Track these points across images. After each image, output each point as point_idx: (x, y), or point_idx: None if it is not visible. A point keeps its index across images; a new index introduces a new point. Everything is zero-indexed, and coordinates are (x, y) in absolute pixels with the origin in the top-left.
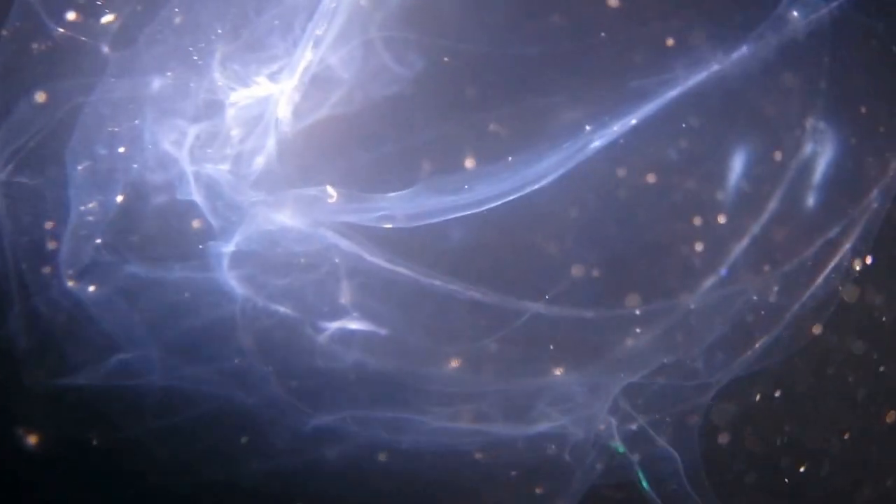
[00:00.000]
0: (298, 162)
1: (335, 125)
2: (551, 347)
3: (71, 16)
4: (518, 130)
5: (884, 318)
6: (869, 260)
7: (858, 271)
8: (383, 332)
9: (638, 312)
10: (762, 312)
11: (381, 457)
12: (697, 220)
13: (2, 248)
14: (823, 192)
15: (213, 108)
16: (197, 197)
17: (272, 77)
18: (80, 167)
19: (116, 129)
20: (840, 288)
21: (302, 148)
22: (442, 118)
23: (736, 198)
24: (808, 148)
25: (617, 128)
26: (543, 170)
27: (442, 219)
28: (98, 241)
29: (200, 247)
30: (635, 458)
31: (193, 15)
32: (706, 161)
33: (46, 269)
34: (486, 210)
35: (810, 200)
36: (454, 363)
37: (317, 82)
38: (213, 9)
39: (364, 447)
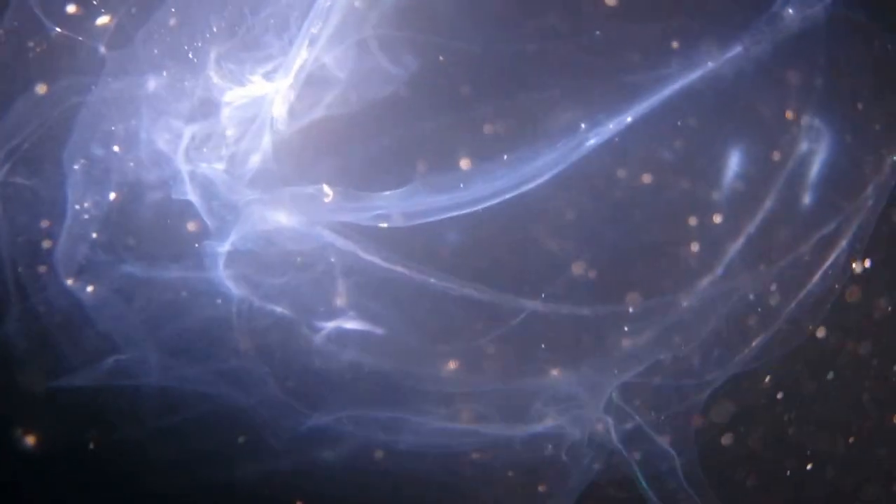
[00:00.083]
0: (294, 161)
1: (330, 124)
2: (548, 346)
3: (68, 15)
4: (513, 129)
5: (888, 320)
6: (871, 261)
7: (862, 273)
8: (380, 331)
9: (634, 310)
10: (758, 310)
11: (379, 457)
12: (693, 218)
13: None
14: (819, 190)
15: (209, 107)
16: (192, 196)
17: (267, 76)
18: (76, 167)
19: (113, 129)
20: (837, 286)
21: (297, 147)
22: (437, 117)
23: (731, 196)
24: (803, 145)
25: (612, 126)
26: (539, 168)
27: (438, 217)
28: (94, 240)
29: (196, 246)
30: (633, 457)
31: (189, 14)
32: (701, 159)
33: (43, 270)
34: (482, 208)
35: (806, 198)
36: (451, 362)
37: (312, 81)
38: (209, 8)
39: (361, 447)
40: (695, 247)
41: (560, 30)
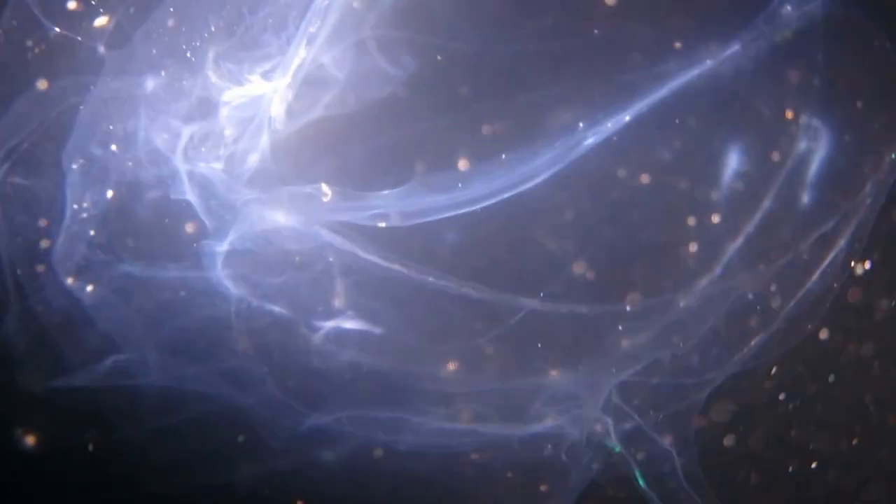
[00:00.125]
0: (292, 160)
1: (329, 124)
2: (546, 345)
3: (66, 15)
4: (511, 128)
5: (890, 320)
6: (873, 261)
7: (864, 273)
8: (378, 330)
9: (633, 309)
10: (757, 309)
11: (378, 457)
12: (691, 217)
13: None
14: (817, 189)
15: (207, 107)
16: (191, 196)
17: (265, 75)
18: (74, 166)
19: (111, 129)
20: (836, 284)
21: (296, 146)
22: (435, 116)
23: (729, 194)
24: (801, 144)
25: (610, 125)
26: (537, 167)
27: (436, 217)
28: (92, 240)
29: (194, 246)
30: (632, 456)
31: (188, 14)
32: (700, 158)
33: (41, 269)
34: (481, 208)
35: (804, 197)
36: (449, 362)
37: (310, 81)
38: (208, 7)
39: (360, 447)
40: (693, 246)
41: (558, 29)
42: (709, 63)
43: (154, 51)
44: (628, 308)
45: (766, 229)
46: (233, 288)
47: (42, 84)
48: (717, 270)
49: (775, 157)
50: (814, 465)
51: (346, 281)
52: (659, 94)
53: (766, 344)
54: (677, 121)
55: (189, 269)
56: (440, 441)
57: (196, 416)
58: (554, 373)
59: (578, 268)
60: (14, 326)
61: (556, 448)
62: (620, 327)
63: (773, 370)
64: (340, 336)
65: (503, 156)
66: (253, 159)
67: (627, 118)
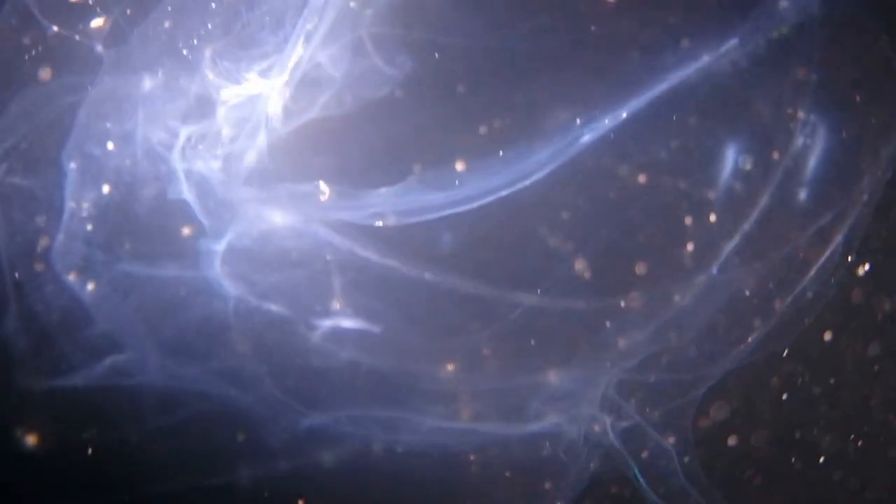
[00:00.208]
0: (290, 159)
1: (326, 121)
2: (544, 342)
3: (64, 14)
4: (508, 125)
5: (894, 320)
6: (877, 261)
7: (867, 273)
8: (377, 329)
9: (630, 305)
10: (754, 305)
11: (377, 456)
12: (688, 214)
13: None
14: (814, 185)
15: (204, 105)
16: (188, 195)
17: (263, 74)
18: (72, 166)
19: (109, 128)
20: (833, 280)
21: (293, 145)
22: (432, 114)
23: (726, 191)
24: (798, 140)
25: (607, 122)
26: (534, 164)
27: (433, 215)
28: (91, 239)
29: (192, 245)
30: (631, 454)
31: (185, 12)
32: (697, 154)
33: (40, 269)
34: (478, 205)
35: (801, 193)
36: (448, 360)
37: (307, 80)
38: (205, 6)
39: (360, 446)
40: (690, 242)
41: (555, 25)
42: (706, 59)
43: (152, 50)
44: (625, 304)
45: (763, 225)
46: (231, 287)
47: (40, 83)
48: (714, 266)
49: (772, 153)
50: (817, 465)
51: (345, 279)
52: (656, 90)
53: (764, 340)
54: (674, 117)
55: (187, 268)
56: (439, 440)
57: (195, 415)
58: (552, 370)
59: (576, 265)
60: (13, 326)
61: (555, 446)
62: (618, 324)
63: (778, 371)
64: (339, 335)
65: (500, 153)
66: (250, 158)
67: (624, 115)
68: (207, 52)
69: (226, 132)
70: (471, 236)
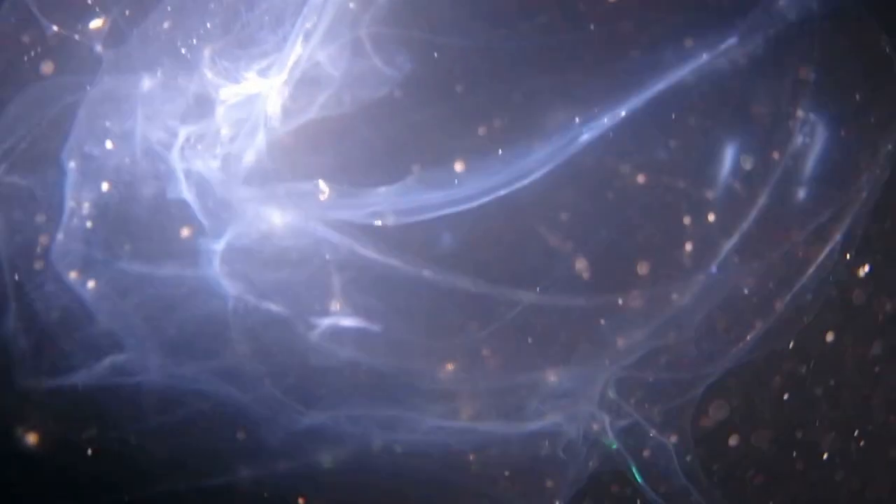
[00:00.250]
0: (289, 158)
1: (325, 120)
2: (543, 341)
3: (64, 14)
4: (507, 124)
5: (893, 322)
6: (879, 261)
7: (869, 273)
8: (376, 327)
9: (629, 304)
10: (753, 303)
11: (376, 455)
12: (687, 212)
13: None
14: (813, 183)
15: (204, 105)
16: (187, 195)
17: (262, 73)
18: (72, 165)
19: (108, 127)
20: (832, 278)
21: (292, 144)
22: (431, 113)
23: (725, 189)
24: (797, 139)
25: (606, 120)
26: (533, 163)
27: (433, 214)
28: (90, 239)
29: (191, 244)
30: (630, 453)
31: (185, 12)
32: (696, 152)
33: (40, 268)
34: (478, 204)
35: (800, 191)
36: (447, 358)
37: (306, 80)
38: (204, 5)
39: (359, 445)
40: (689, 241)
41: (553, 24)
42: (705, 57)
43: (151, 50)
44: (625, 303)
45: (762, 224)
46: (230, 286)
47: (40, 83)
48: (714, 264)
49: (771, 151)
50: (818, 466)
51: (344, 278)
52: (655, 89)
53: (763, 339)
54: (673, 116)
55: (186, 267)
56: (438, 439)
57: (194, 414)
58: (551, 369)
59: (575, 264)
60: (12, 325)
61: (554, 445)
62: (617, 323)
63: (780, 371)
64: (338, 334)
65: (499, 152)
66: (249, 157)
67: (623, 114)
68: (206, 52)
69: (225, 131)
70: (470, 235)
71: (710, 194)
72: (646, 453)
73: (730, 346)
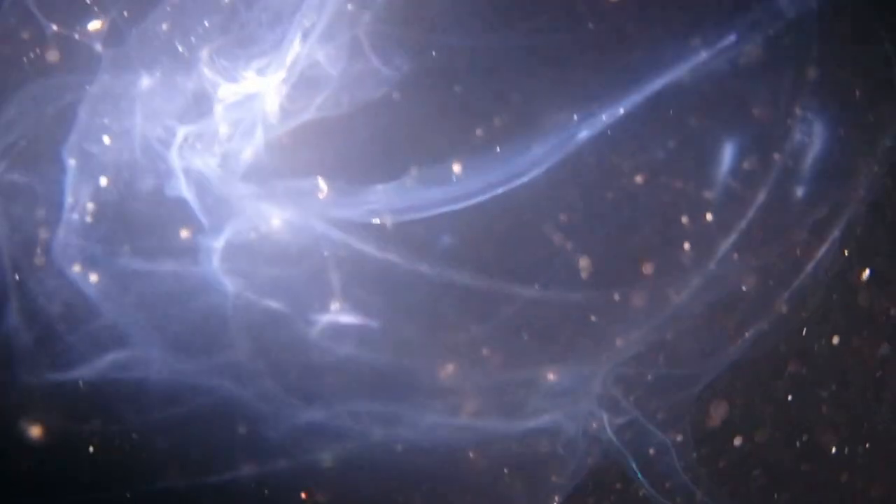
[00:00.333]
0: (287, 155)
1: (324, 119)
2: (542, 338)
3: (64, 13)
4: (506, 123)
5: None
6: (881, 262)
7: (873, 275)
8: (375, 324)
9: (628, 301)
10: (751, 301)
11: (376, 452)
12: (685, 210)
13: None
14: (811, 181)
15: (202, 103)
16: (186, 192)
17: (260, 71)
18: (72, 163)
19: (108, 126)
20: (830, 275)
21: (291, 142)
22: (430, 111)
23: (723, 186)
24: (796, 137)
25: (605, 118)
26: (532, 161)
27: (431, 212)
28: (90, 236)
29: (191, 242)
30: (629, 450)
31: (184, 11)
32: (694, 150)
33: (40, 265)
34: (476, 202)
35: (798, 189)
36: (446, 355)
37: (305, 79)
38: (203, 5)
39: (358, 441)
40: (688, 238)
41: (552, 22)
42: (704, 55)
43: (150, 49)
44: (623, 301)
45: (760, 221)
46: (229, 283)
47: (40, 81)
48: (712, 262)
49: (770, 149)
50: (823, 467)
51: (343, 275)
52: (653, 86)
53: (762, 336)
54: (672, 114)
55: (186, 264)
56: (437, 435)
57: (195, 410)
58: (549, 366)
59: (574, 261)
60: (14, 321)
61: (553, 443)
62: (615, 320)
63: (782, 371)
64: (337, 330)
65: (498, 150)
66: (248, 155)
67: (622, 111)
68: (205, 51)
69: (223, 130)
70: (469, 233)
71: (708, 192)
72: (645, 451)
73: (728, 344)
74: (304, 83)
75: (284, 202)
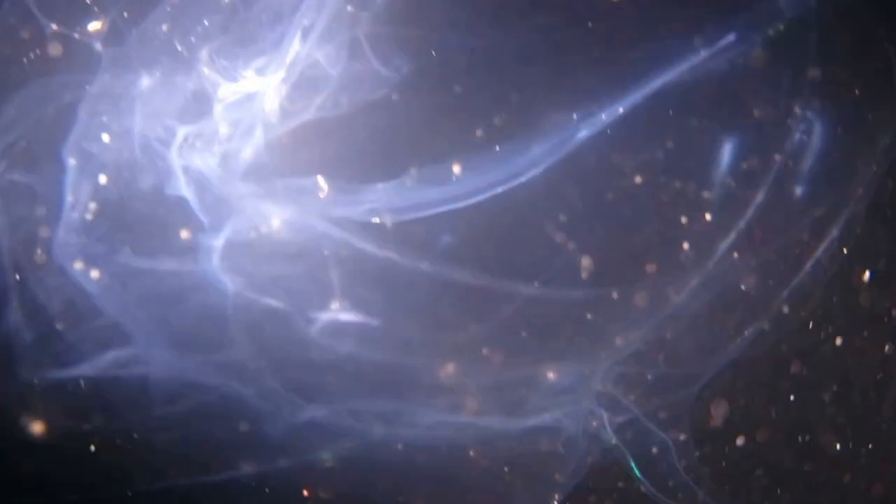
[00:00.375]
0: (287, 154)
1: (323, 118)
2: (542, 337)
3: (64, 12)
4: (505, 122)
5: None
6: (885, 263)
7: (876, 275)
8: (375, 322)
9: (627, 300)
10: (750, 299)
11: (377, 450)
12: (685, 208)
13: None
14: (810, 180)
15: (202, 103)
16: (186, 191)
17: (260, 71)
18: (72, 163)
19: (107, 126)
20: (828, 274)
21: (290, 141)
22: (429, 111)
23: (723, 186)
24: (796, 136)
25: (604, 117)
26: (531, 160)
27: (431, 211)
28: (90, 235)
29: (191, 240)
30: (629, 448)
31: (183, 11)
32: (694, 149)
33: (41, 263)
34: (476, 201)
35: (797, 188)
36: (447, 354)
37: (304, 78)
38: (203, 4)
39: (359, 439)
40: (687, 237)
41: (552, 22)
42: (703, 53)
43: (150, 48)
44: (622, 300)
45: (759, 219)
46: (229, 282)
47: (40, 81)
48: (711, 260)
49: (769, 148)
50: (825, 467)
51: (343, 273)
52: (653, 86)
53: (762, 335)
54: (671, 113)
55: (186, 263)
56: (438, 434)
57: (195, 408)
58: (549, 365)
59: (573, 261)
60: (14, 319)
61: (554, 441)
62: (615, 319)
63: (784, 371)
64: (338, 328)
65: (497, 149)
66: (248, 154)
67: (621, 111)
68: (205, 50)
69: (223, 129)
70: (468, 232)
71: (707, 191)
72: (646, 449)
73: (728, 343)
74: (303, 83)
75: (284, 201)
